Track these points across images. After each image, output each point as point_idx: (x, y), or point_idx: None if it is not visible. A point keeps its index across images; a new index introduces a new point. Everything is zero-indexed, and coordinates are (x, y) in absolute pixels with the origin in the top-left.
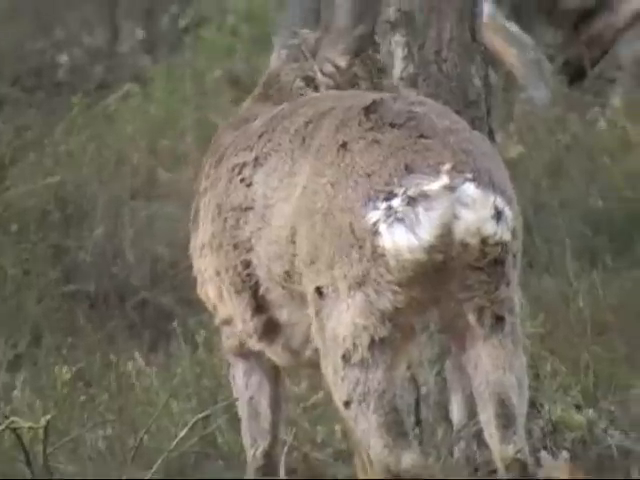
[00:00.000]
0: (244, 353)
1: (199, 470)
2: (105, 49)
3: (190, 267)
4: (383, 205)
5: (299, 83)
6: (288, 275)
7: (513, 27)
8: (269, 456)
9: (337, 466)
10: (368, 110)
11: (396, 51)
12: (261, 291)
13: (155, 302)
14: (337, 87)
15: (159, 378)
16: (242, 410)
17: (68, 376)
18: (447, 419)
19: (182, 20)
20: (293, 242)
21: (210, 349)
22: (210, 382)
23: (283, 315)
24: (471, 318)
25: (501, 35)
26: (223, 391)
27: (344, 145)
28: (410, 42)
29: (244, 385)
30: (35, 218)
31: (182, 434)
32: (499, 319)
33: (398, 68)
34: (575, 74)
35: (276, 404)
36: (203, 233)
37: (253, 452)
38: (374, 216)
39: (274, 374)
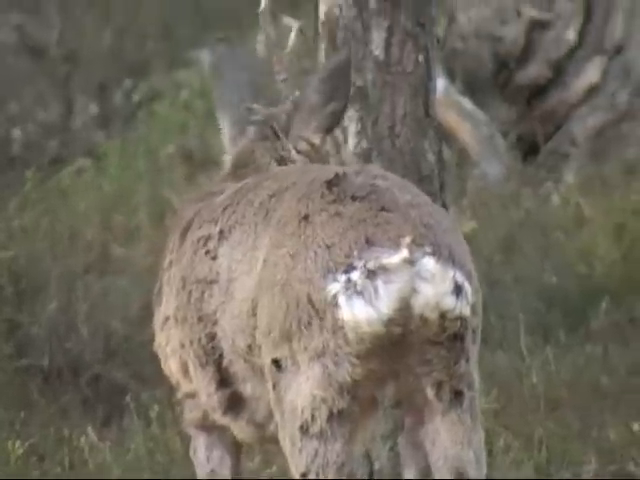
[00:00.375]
0: (206, 426)
1: None
2: (59, 124)
3: (144, 342)
4: (342, 277)
5: (274, 164)
6: (250, 349)
7: (466, 103)
8: None
9: None
10: (330, 183)
11: (350, 126)
12: (225, 364)
13: (108, 377)
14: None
15: (112, 453)
16: None
17: (21, 451)
18: None
19: (135, 95)
20: (254, 315)
21: (163, 424)
22: (163, 458)
23: (247, 389)
24: (429, 392)
25: (455, 111)
26: (176, 467)
27: (306, 217)
28: (364, 117)
29: (205, 458)
30: None
31: None
32: (458, 394)
33: (351, 143)
34: (528, 150)
35: (237, 478)
36: (166, 306)
37: None
38: (334, 288)
39: (235, 449)
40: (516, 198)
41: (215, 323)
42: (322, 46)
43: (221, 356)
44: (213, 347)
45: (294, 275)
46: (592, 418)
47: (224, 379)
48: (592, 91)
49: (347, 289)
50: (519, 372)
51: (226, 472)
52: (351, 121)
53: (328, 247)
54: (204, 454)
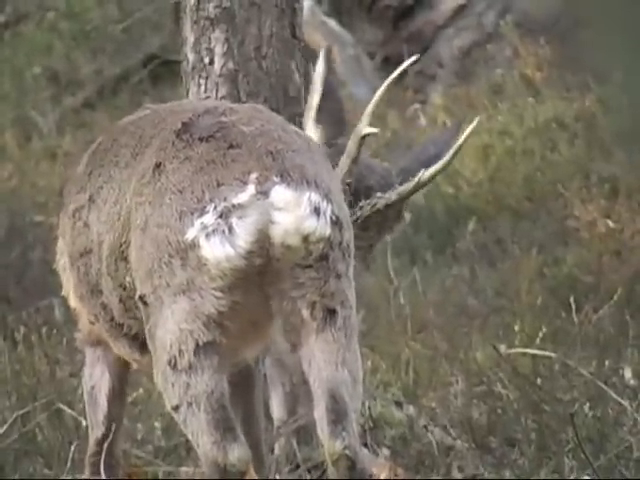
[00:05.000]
0: (91, 343)
1: (19, 467)
2: None
3: (10, 264)
4: (198, 221)
5: None
6: (142, 301)
7: (333, 24)
8: (100, 445)
9: (157, 463)
10: (179, 132)
11: (216, 48)
12: (135, 330)
13: None
14: None
15: None
16: (85, 398)
17: None
18: (267, 415)
19: (1, 16)
20: (124, 259)
21: (30, 346)
22: (29, 379)
23: None
24: (305, 314)
25: (321, 31)
26: (43, 388)
27: (158, 165)
28: (230, 38)
29: (89, 374)
30: None
31: (1, 431)
32: (331, 312)
33: (218, 65)
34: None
35: (114, 397)
36: (67, 283)
37: (91, 440)
38: (191, 231)
39: (119, 369)
40: (383, 119)
41: (101, 292)
42: None
43: (123, 325)
44: (112, 317)
45: (152, 220)
46: (459, 339)
47: (143, 341)
48: (459, 12)
49: (203, 230)
50: (386, 294)
51: (104, 390)
52: (217, 42)
53: (181, 192)
54: (88, 370)
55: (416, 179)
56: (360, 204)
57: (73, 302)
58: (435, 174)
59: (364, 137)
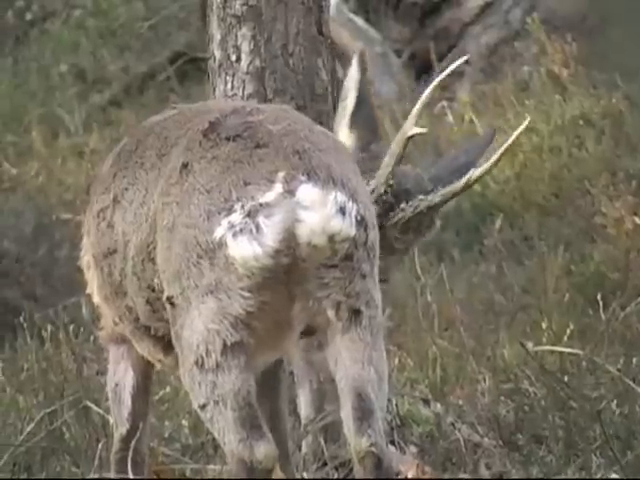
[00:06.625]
0: (115, 340)
1: (46, 465)
2: None
3: (37, 262)
4: (225, 221)
5: None
6: (170, 302)
7: (359, 21)
8: (125, 443)
9: (184, 461)
10: (206, 131)
11: (242, 45)
12: (161, 332)
13: (1, 297)
14: None
15: (5, 373)
16: (109, 395)
17: None
18: (295, 413)
19: (28, 14)
20: (151, 260)
21: (57, 344)
22: (57, 377)
23: None
24: (330, 314)
25: (348, 29)
26: (70, 386)
27: (185, 165)
28: (257, 36)
29: (113, 371)
30: None
31: (29, 429)
32: (356, 312)
33: (244, 62)
34: (422, 68)
35: (139, 394)
36: (91, 281)
37: (115, 436)
38: (219, 231)
39: (143, 366)
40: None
41: (125, 294)
42: None
43: (148, 327)
44: (137, 318)
45: (179, 221)
46: (486, 337)
47: (169, 342)
48: (485, 9)
49: (231, 230)
50: (413, 291)
51: (128, 387)
52: (244, 40)
53: (208, 192)
54: (112, 367)
55: (464, 179)
56: (402, 206)
57: (97, 299)
58: (479, 177)
59: (410, 138)
